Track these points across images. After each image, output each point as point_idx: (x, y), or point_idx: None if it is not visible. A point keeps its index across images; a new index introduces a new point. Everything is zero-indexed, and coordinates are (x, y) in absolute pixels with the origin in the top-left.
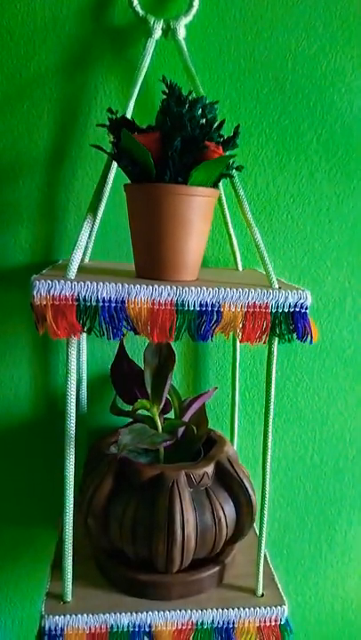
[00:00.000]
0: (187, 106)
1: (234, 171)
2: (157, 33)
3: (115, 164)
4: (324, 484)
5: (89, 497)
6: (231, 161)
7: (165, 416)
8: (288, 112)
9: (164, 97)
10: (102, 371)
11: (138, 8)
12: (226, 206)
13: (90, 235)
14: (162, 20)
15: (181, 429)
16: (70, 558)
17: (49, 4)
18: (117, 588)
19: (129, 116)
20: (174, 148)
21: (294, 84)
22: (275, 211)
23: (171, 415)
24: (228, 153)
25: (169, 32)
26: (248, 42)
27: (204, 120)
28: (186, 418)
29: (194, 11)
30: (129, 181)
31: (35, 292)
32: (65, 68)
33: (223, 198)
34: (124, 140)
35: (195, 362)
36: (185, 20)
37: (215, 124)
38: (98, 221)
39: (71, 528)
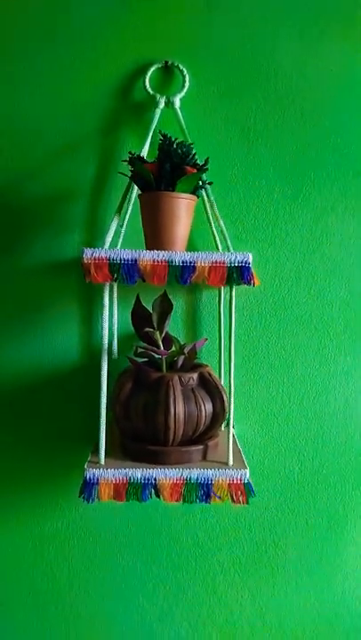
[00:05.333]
0: (173, 146)
1: (207, 185)
2: (161, 105)
3: (134, 186)
4: (292, 419)
5: (117, 392)
6: (206, 179)
7: None
8: (252, 152)
9: (160, 141)
10: (129, 332)
11: (149, 89)
12: (210, 214)
13: (120, 230)
14: (164, 96)
15: (181, 359)
16: (104, 435)
17: (91, 88)
18: (134, 459)
19: (144, 154)
20: (166, 169)
21: (256, 133)
22: (246, 218)
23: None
24: (202, 174)
25: (169, 104)
26: (223, 109)
27: (183, 154)
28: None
29: (185, 90)
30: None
31: (84, 255)
32: (104, 129)
33: (208, 210)
34: (137, 167)
35: (192, 327)
36: (179, 96)
37: (190, 156)
38: (125, 224)
39: (105, 415)
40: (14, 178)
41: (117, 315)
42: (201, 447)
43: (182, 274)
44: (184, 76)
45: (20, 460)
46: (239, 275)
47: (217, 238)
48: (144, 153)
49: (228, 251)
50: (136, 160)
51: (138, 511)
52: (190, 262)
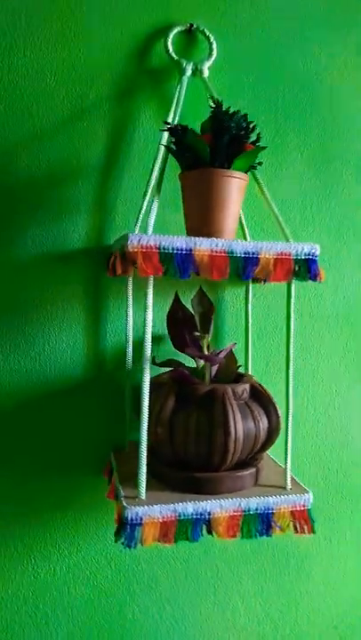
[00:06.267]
0: (227, 115)
1: (257, 165)
2: (188, 72)
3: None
4: (317, 429)
5: (157, 412)
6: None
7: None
8: (279, 136)
9: (212, 109)
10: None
11: (172, 54)
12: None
13: (139, 215)
14: (192, 63)
15: (215, 368)
16: (145, 462)
17: (105, 49)
18: (177, 489)
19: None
20: (224, 142)
21: (284, 115)
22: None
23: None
24: (261, 151)
25: (196, 72)
26: (250, 82)
27: (244, 124)
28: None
29: (213, 58)
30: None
31: (129, 242)
32: (115, 97)
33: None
34: (189, 138)
35: (216, 330)
36: (207, 64)
37: (250, 130)
38: (144, 206)
39: (146, 437)
40: (6, 149)
41: (132, 317)
42: (253, 470)
43: (245, 267)
44: (211, 43)
45: (8, 492)
46: (306, 269)
47: (246, 228)
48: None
49: (285, 236)
50: (182, 130)
51: (150, 546)
52: (253, 253)
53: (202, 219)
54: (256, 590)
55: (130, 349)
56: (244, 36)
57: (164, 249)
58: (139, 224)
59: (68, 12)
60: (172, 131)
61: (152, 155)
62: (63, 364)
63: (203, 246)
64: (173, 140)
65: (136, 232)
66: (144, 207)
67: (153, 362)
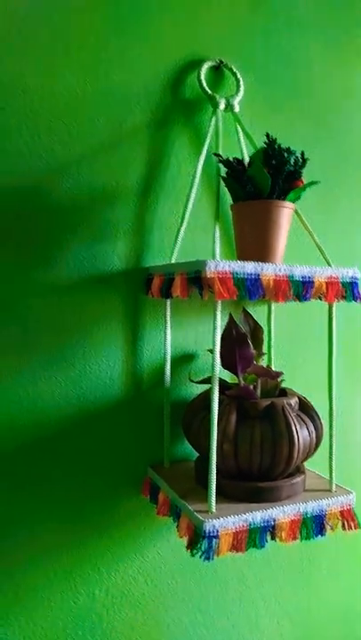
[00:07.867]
0: (285, 151)
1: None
2: (222, 106)
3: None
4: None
5: (222, 428)
6: None
7: None
8: None
9: (265, 145)
10: (179, 354)
11: (206, 88)
12: None
13: (175, 242)
14: (224, 98)
15: (259, 382)
16: (214, 477)
17: (142, 78)
18: (238, 499)
19: (202, 158)
20: (283, 177)
21: (315, 139)
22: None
23: None
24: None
25: (228, 106)
26: (267, 120)
27: (301, 161)
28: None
29: (240, 94)
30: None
31: (207, 268)
32: (152, 125)
33: None
34: (253, 170)
35: None
36: (237, 99)
37: (303, 166)
38: (183, 231)
39: (215, 452)
40: (49, 172)
41: (170, 337)
42: (303, 477)
43: (305, 290)
44: (238, 80)
45: (45, 518)
46: (350, 291)
47: None
48: (202, 156)
49: (327, 262)
50: (234, 164)
51: (183, 559)
52: (309, 277)
53: (259, 245)
54: (275, 591)
55: (168, 368)
56: (261, 72)
57: (236, 274)
58: (177, 248)
59: (103, 35)
60: (227, 163)
61: (186, 181)
62: (103, 385)
63: (268, 271)
64: (227, 170)
65: (175, 256)
66: (182, 232)
67: (190, 379)
